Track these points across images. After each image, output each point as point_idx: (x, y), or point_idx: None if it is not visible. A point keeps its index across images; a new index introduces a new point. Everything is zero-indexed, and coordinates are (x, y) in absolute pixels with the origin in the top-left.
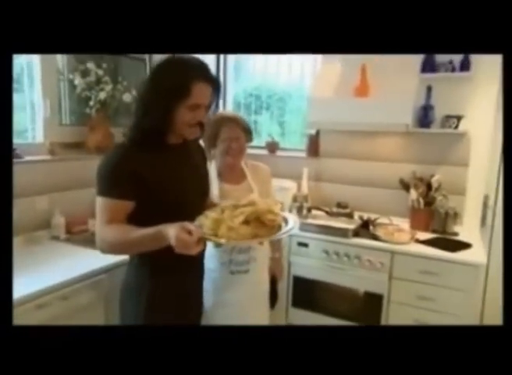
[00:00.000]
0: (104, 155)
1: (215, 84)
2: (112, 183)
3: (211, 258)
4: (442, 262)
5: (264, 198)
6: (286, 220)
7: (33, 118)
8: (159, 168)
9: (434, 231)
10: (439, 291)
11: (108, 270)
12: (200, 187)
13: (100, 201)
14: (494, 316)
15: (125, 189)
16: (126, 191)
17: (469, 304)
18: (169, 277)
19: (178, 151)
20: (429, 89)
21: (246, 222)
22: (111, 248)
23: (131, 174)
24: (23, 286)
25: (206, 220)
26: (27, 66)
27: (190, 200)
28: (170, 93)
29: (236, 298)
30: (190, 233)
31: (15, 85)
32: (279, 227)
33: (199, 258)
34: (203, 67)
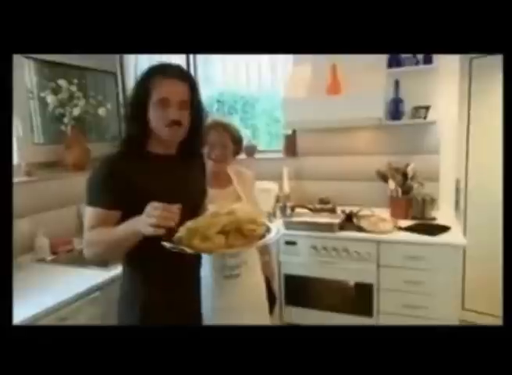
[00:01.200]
0: (93, 167)
1: (183, 79)
2: (99, 193)
3: (205, 265)
4: (426, 246)
5: (250, 204)
6: (269, 230)
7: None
8: (145, 179)
9: (414, 218)
10: (425, 274)
11: (102, 287)
12: (191, 200)
13: (87, 211)
14: (474, 292)
15: (111, 199)
16: (112, 201)
17: (452, 282)
18: (162, 287)
19: (168, 162)
20: (397, 83)
21: (225, 232)
22: (95, 251)
23: (117, 184)
24: (19, 311)
25: (185, 230)
26: None
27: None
28: (136, 94)
29: (232, 304)
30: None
31: None
32: (260, 238)
33: (193, 266)
34: (168, 66)
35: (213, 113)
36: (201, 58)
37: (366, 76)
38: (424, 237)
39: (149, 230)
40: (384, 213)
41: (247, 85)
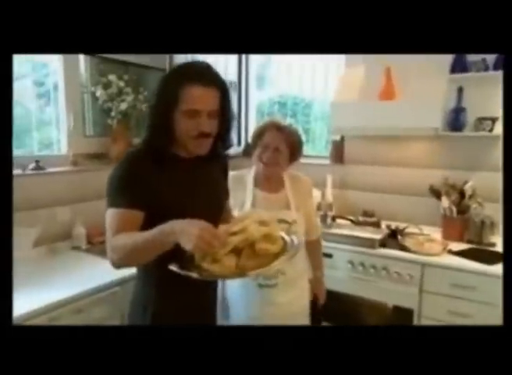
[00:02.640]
0: (113, 168)
1: (215, 88)
2: (120, 192)
3: None
4: (478, 276)
5: (301, 213)
6: (287, 246)
7: (58, 131)
8: (166, 181)
9: (469, 242)
10: (475, 306)
11: (122, 283)
12: (212, 204)
13: (109, 213)
14: None
15: (133, 198)
16: (134, 200)
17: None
18: (176, 293)
19: (190, 165)
20: (460, 90)
21: (237, 251)
22: (120, 255)
23: (138, 183)
24: (40, 295)
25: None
26: (52, 80)
27: (198, 216)
28: (162, 100)
29: (267, 314)
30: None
31: (43, 99)
32: (276, 256)
33: (209, 283)
34: (198, 71)
35: (272, 115)
36: (258, 59)
37: (424, 81)
38: (477, 264)
39: (188, 247)
40: (435, 233)
41: (303, 88)
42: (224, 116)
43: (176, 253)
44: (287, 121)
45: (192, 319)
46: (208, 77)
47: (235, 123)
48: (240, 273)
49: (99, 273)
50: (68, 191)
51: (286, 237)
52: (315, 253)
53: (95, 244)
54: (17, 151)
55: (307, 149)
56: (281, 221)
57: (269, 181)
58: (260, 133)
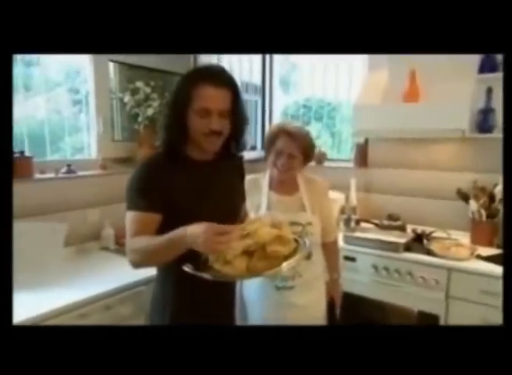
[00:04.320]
0: (132, 172)
1: (225, 85)
2: (139, 196)
3: None
4: None
5: (317, 215)
6: (299, 247)
7: (88, 136)
8: (182, 184)
9: (499, 247)
10: None
11: (147, 282)
12: (228, 206)
13: (128, 216)
14: None
15: (151, 201)
16: (152, 203)
17: None
18: (194, 293)
19: (206, 168)
20: (489, 91)
21: (248, 253)
22: (138, 257)
23: (156, 186)
24: (66, 295)
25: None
26: (81, 86)
27: (213, 219)
28: (176, 100)
29: (283, 317)
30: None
31: (78, 106)
32: (286, 258)
33: (228, 285)
34: (212, 72)
35: (297, 118)
36: (282, 62)
37: (451, 82)
38: None
39: (199, 249)
40: (463, 238)
41: (327, 91)
42: (236, 117)
43: (193, 254)
44: (297, 124)
45: (210, 319)
46: (221, 79)
47: (249, 126)
48: (252, 274)
49: (126, 272)
50: (97, 193)
51: (298, 239)
52: (332, 255)
53: (123, 245)
54: (51, 156)
55: (332, 153)
56: (293, 224)
57: (284, 184)
58: (271, 140)
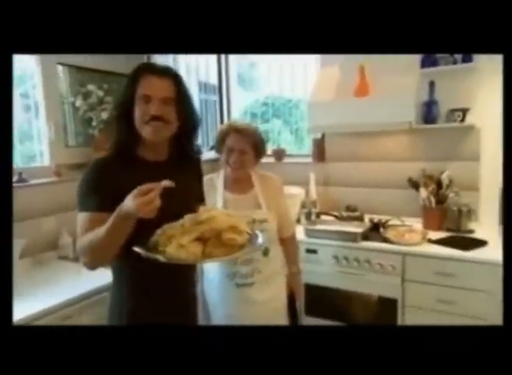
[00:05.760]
0: (83, 174)
1: (166, 74)
2: (87, 195)
3: (216, 270)
4: (458, 262)
5: (273, 211)
6: (252, 239)
7: (40, 142)
8: (132, 184)
9: (448, 230)
10: (458, 292)
11: (108, 289)
12: (183, 207)
13: (78, 219)
14: None
15: (99, 200)
16: (101, 203)
17: (492, 305)
18: (151, 291)
19: (158, 168)
20: (432, 84)
21: (203, 240)
22: (88, 253)
23: (106, 186)
24: (26, 304)
25: (162, 235)
26: (32, 92)
27: (169, 219)
28: (122, 94)
29: (245, 313)
30: (146, 193)
31: (30, 112)
32: (241, 247)
33: (186, 280)
34: (154, 64)
35: (257, 116)
36: (238, 61)
37: (396, 77)
38: (455, 251)
39: (140, 214)
40: (417, 224)
41: (283, 89)
42: (181, 106)
43: (142, 240)
44: (245, 121)
45: (170, 318)
46: (162, 69)
47: (203, 125)
48: (207, 258)
49: (87, 279)
50: (52, 201)
51: (250, 232)
52: (290, 249)
53: None
54: None
55: (295, 149)
56: (249, 222)
57: (238, 183)
58: (222, 138)
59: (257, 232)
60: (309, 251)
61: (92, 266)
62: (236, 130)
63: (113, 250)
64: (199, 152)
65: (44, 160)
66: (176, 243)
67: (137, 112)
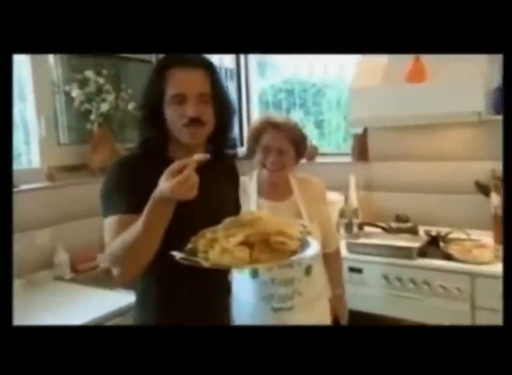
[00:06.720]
0: (105, 176)
1: (200, 66)
2: (118, 197)
3: (248, 292)
4: None
5: (315, 222)
6: (307, 246)
7: (27, 139)
8: None
9: None
10: None
11: (123, 313)
12: (215, 212)
13: (106, 225)
14: None
15: (132, 201)
16: (133, 204)
17: None
18: (177, 286)
19: None
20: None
21: (249, 243)
22: (119, 258)
23: (136, 185)
24: None
25: (201, 240)
26: (18, 80)
27: (200, 225)
28: (148, 91)
29: None
30: (179, 171)
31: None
32: (292, 253)
33: (216, 304)
34: (181, 55)
35: (277, 105)
36: None
37: (460, 58)
38: None
39: (178, 196)
40: (485, 238)
41: (312, 71)
42: (219, 101)
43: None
44: (283, 116)
45: (199, 316)
46: (192, 59)
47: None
48: (253, 264)
49: (92, 304)
50: (45, 210)
51: (303, 237)
52: (334, 267)
53: (81, 272)
54: None
55: (321, 146)
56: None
57: (275, 188)
58: (256, 136)
59: (309, 239)
60: (353, 269)
61: (124, 277)
62: (273, 126)
63: (149, 251)
64: (235, 146)
65: (33, 161)
66: (219, 247)
67: (171, 115)
